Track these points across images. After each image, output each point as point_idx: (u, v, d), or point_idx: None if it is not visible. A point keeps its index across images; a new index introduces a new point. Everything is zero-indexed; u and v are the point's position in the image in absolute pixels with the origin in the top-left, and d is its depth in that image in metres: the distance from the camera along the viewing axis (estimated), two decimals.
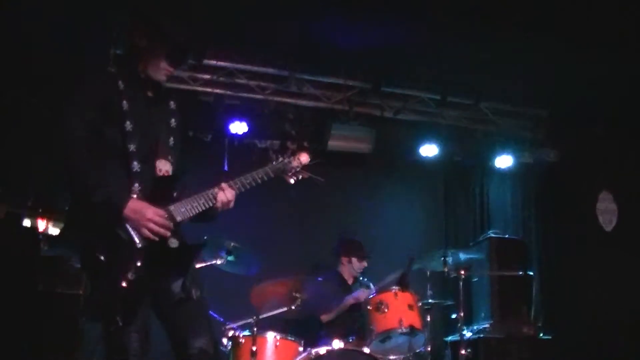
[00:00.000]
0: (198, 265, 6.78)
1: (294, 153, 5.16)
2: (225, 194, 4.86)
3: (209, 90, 9.73)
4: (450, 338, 9.25)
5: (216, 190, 4.85)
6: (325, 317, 8.46)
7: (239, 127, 9.73)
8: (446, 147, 10.71)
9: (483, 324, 9.56)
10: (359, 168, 10.64)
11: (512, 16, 8.23)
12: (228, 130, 9.73)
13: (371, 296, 7.69)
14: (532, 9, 8.09)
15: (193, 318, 4.81)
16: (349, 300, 8.39)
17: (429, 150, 10.58)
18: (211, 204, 4.83)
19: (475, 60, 9.25)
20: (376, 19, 8.56)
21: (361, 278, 8.82)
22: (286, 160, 5.12)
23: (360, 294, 8.32)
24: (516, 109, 10.85)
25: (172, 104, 5.02)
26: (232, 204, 4.92)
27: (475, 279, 9.90)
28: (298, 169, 5.17)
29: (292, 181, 5.22)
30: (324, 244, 9.50)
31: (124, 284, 4.45)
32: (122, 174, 4.66)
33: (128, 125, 4.67)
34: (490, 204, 11.33)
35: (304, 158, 5.17)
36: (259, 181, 5.01)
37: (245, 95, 9.88)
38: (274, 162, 5.10)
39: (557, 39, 8.63)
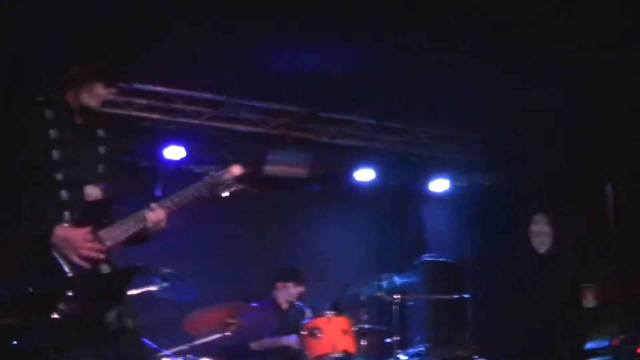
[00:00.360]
0: (132, 292, 6.71)
1: (225, 166, 5.11)
2: (155, 214, 4.79)
3: (145, 115, 9.66)
4: None
5: (145, 211, 4.80)
6: (254, 346, 8.41)
7: (175, 153, 9.71)
8: (382, 172, 10.80)
9: (418, 348, 9.60)
10: (297, 193, 10.67)
11: (447, 42, 8.31)
12: (164, 155, 9.70)
13: (305, 321, 7.72)
14: (467, 35, 8.17)
15: (128, 348, 4.76)
16: (281, 342, 8.38)
17: (365, 174, 10.66)
18: (142, 226, 4.78)
19: (411, 85, 9.32)
20: (313, 44, 8.58)
21: (296, 303, 8.82)
22: (217, 174, 5.06)
23: (292, 341, 8.24)
24: (451, 133, 10.96)
25: (100, 132, 4.98)
26: (163, 224, 4.85)
27: (411, 303, 9.95)
28: (231, 182, 5.10)
29: (225, 194, 5.15)
30: (260, 270, 9.49)
31: (55, 315, 4.40)
32: (50, 202, 4.62)
33: (55, 154, 4.63)
34: (425, 228, 11.44)
35: (236, 170, 5.11)
36: (191, 198, 4.93)
37: (181, 120, 9.83)
38: (205, 177, 5.05)
39: (493, 64, 8.73)
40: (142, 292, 7.38)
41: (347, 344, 7.50)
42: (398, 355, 8.35)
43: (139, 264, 5.33)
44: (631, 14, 7.59)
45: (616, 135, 9.83)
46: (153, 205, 4.82)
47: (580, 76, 8.78)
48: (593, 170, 10.10)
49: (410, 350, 9.53)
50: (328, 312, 7.69)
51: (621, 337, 9.05)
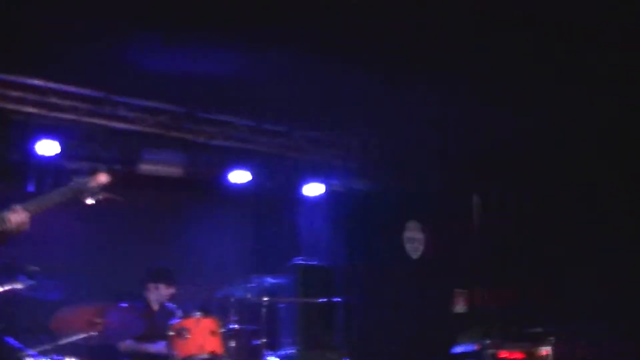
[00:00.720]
0: None
1: (92, 173, 5.08)
2: (17, 216, 4.74)
3: (18, 108, 9.44)
4: None
5: (7, 212, 4.73)
6: (124, 347, 8.32)
7: (49, 148, 9.53)
8: (258, 174, 10.82)
9: (288, 350, 9.68)
10: (171, 193, 10.60)
11: (326, 47, 8.41)
12: (37, 151, 9.52)
13: (173, 322, 7.72)
14: (347, 41, 8.29)
15: None
16: (149, 349, 8.31)
17: (241, 176, 10.65)
18: (2, 227, 4.71)
19: (289, 89, 9.39)
20: (193, 44, 8.58)
21: (167, 304, 8.78)
22: (82, 181, 5.03)
23: (161, 349, 8.14)
24: (329, 138, 11.07)
25: None
26: (26, 226, 4.80)
27: (282, 305, 10.02)
28: (96, 190, 5.07)
29: (90, 202, 5.12)
30: (132, 270, 9.39)
31: None
32: None
33: None
34: (300, 231, 11.50)
35: (103, 178, 5.09)
36: (56, 202, 4.90)
37: (57, 115, 9.65)
38: (70, 183, 5.01)
39: (373, 72, 8.88)
40: (7, 290, 7.24)
41: (215, 345, 7.53)
42: (267, 358, 8.41)
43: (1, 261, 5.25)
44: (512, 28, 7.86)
45: (486, 149, 10.13)
46: (16, 207, 4.76)
47: (455, 93, 9.03)
48: (463, 181, 10.40)
49: (280, 353, 9.61)
50: (196, 313, 7.69)
51: (485, 342, 9.35)
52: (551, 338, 9.53)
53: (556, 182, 10.33)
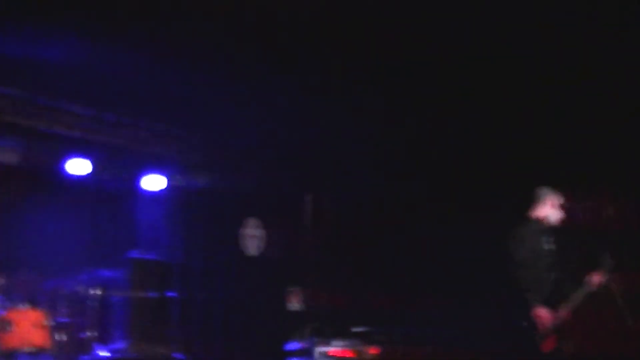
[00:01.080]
0: None
1: None
2: None
3: None
4: (84, 358, 9.17)
5: None
6: None
7: None
8: (98, 165, 10.61)
9: (119, 344, 9.57)
10: (5, 180, 10.29)
11: (176, 44, 8.38)
12: None
13: None
14: (194, 39, 8.27)
15: None
16: None
17: (80, 166, 10.42)
18: None
19: (134, 81, 9.29)
20: (35, 29, 8.38)
21: None
22: None
23: None
24: (172, 131, 10.98)
25: None
26: None
27: (115, 299, 9.89)
28: None
29: None
30: None
31: None
32: None
33: None
34: (139, 225, 11.37)
35: None
36: None
37: None
38: None
39: (216, 70, 8.90)
40: None
41: (41, 338, 7.41)
42: (97, 351, 8.31)
43: None
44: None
45: (318, 150, 10.31)
46: None
47: (284, 96, 9.15)
48: (297, 179, 10.55)
49: (110, 346, 9.50)
50: (22, 304, 7.53)
51: (315, 339, 9.52)
52: (381, 338, 9.74)
53: (389, 182, 10.57)
